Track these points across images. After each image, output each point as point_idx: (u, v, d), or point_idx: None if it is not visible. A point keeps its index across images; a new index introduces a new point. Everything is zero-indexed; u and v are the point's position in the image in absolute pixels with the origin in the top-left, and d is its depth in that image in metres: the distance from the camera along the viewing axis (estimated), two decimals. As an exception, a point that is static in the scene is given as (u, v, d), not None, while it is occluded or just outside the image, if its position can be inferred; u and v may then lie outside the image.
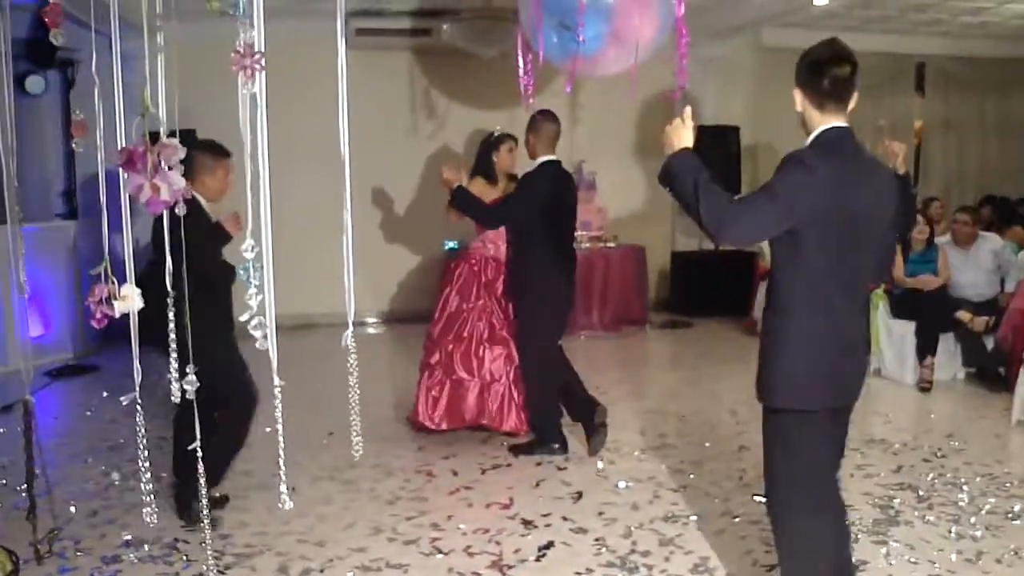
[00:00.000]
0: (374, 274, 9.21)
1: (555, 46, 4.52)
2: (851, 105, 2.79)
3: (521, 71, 5.03)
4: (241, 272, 1.70)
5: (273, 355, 1.70)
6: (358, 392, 1.79)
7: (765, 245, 9.21)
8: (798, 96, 2.81)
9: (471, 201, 5.16)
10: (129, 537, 4.04)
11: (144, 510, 2.26)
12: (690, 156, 2.77)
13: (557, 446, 5.21)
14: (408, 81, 9.59)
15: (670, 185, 2.79)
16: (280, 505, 1.92)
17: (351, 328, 1.96)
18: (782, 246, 2.76)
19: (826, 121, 2.76)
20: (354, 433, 1.74)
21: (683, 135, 2.81)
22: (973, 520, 4.17)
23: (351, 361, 1.77)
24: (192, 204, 3.96)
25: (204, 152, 4.14)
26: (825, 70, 2.74)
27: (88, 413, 6.22)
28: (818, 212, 2.65)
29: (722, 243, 2.73)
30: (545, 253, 5.12)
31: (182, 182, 1.88)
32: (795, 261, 2.74)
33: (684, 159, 2.77)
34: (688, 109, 2.86)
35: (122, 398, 2.20)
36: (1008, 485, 4.63)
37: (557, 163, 5.21)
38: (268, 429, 2.05)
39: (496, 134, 5.60)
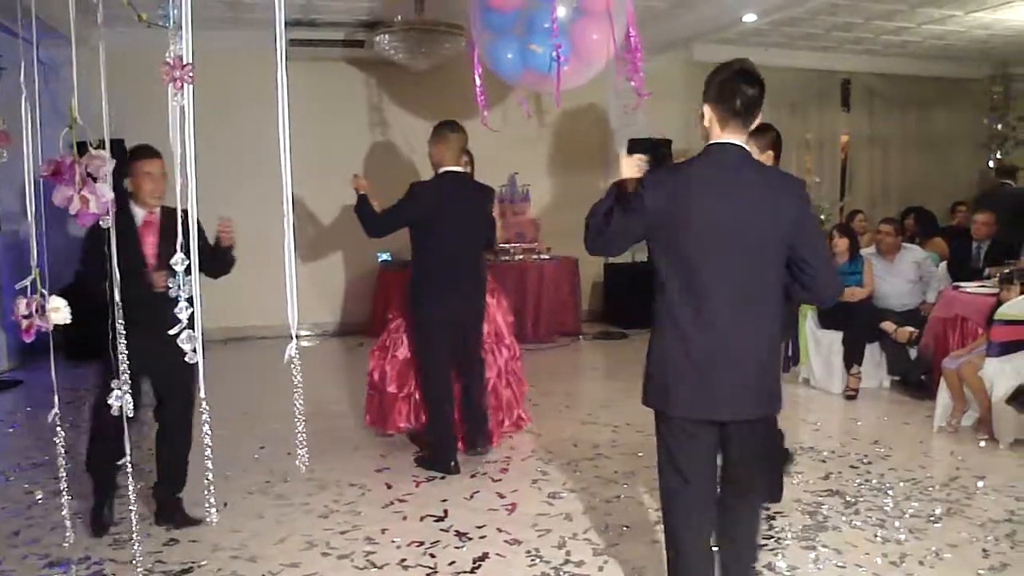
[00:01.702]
0: (306, 286, 9.13)
1: (509, 63, 4.56)
2: (752, 125, 2.91)
3: (478, 89, 5.03)
4: (171, 285, 1.69)
5: (200, 367, 1.68)
6: (301, 404, 1.78)
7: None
8: (707, 111, 2.90)
9: (363, 210, 5.05)
10: (54, 558, 3.94)
11: (67, 526, 2.20)
12: (611, 189, 3.06)
13: (439, 467, 5.15)
14: (343, 91, 9.55)
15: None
16: (207, 519, 1.89)
17: (295, 340, 1.93)
18: (651, 258, 2.97)
19: (724, 137, 2.87)
20: (299, 445, 1.71)
21: (620, 170, 3.08)
22: (897, 524, 4.28)
23: (296, 375, 1.75)
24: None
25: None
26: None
27: (11, 430, 6.05)
28: (663, 223, 2.84)
29: (592, 254, 3.09)
30: (425, 268, 5.06)
31: (111, 194, 1.86)
32: (656, 272, 2.92)
33: (608, 192, 3.07)
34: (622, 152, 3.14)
35: (49, 415, 2.15)
36: (930, 489, 4.76)
37: (454, 174, 5.09)
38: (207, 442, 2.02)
39: None
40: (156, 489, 4.31)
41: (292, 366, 1.72)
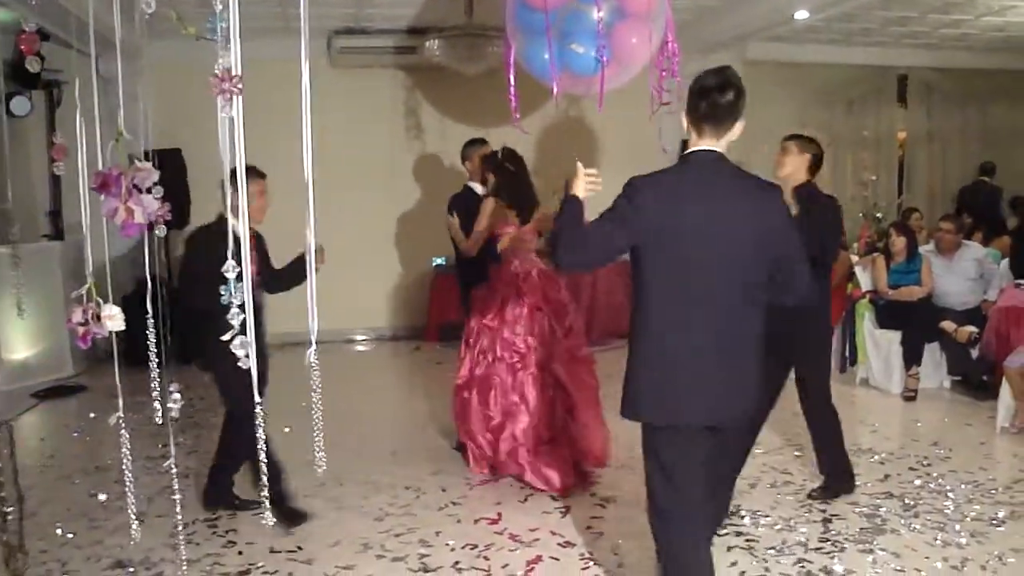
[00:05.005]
0: (363, 291, 9.22)
1: (546, 64, 4.52)
2: (731, 131, 2.90)
3: (512, 90, 5.01)
4: (223, 292, 1.72)
5: (253, 372, 1.71)
6: (321, 408, 1.80)
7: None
8: (684, 120, 2.96)
9: None
10: (116, 559, 4.03)
11: (131, 527, 2.26)
12: (574, 203, 3.01)
13: None
14: (394, 98, 9.62)
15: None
16: (263, 522, 1.93)
17: (314, 345, 1.95)
18: (633, 267, 2.93)
19: (700, 144, 2.91)
20: (317, 448, 1.74)
21: (576, 184, 3.04)
22: (958, 527, 4.20)
23: (314, 379, 1.78)
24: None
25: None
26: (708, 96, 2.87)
27: (75, 434, 6.20)
28: (649, 232, 2.81)
29: (563, 267, 3.05)
30: None
31: (156, 205, 1.91)
32: (639, 280, 2.91)
33: (569, 204, 3.02)
34: (579, 165, 3.08)
35: (110, 419, 2.20)
36: (993, 492, 4.67)
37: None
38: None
39: None
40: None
41: (312, 371, 1.75)
